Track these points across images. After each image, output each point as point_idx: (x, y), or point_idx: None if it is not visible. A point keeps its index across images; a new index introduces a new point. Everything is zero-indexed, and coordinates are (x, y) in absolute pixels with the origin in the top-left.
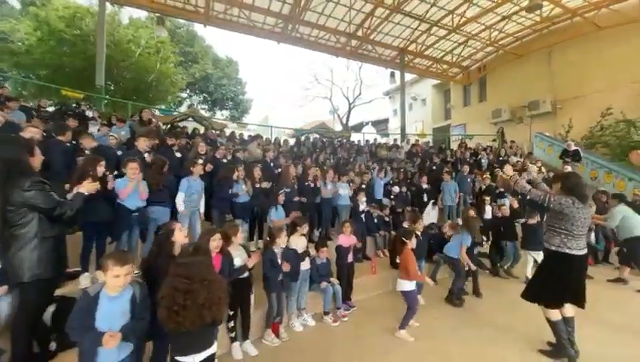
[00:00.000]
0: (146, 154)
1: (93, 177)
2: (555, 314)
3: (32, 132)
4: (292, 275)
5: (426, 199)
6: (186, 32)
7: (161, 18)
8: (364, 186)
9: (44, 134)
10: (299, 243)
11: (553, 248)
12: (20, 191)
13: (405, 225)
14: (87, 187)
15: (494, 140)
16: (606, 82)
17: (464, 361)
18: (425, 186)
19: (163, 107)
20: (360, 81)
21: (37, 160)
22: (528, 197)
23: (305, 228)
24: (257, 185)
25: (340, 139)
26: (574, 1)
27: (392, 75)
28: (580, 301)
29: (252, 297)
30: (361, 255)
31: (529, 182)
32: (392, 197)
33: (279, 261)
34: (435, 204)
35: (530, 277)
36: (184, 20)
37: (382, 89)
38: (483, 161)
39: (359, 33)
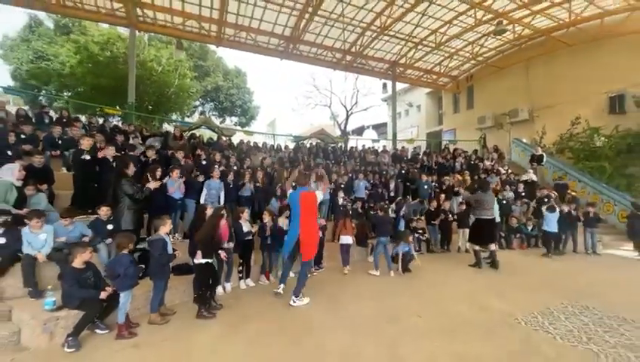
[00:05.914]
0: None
1: (154, 178)
2: (476, 246)
3: (88, 143)
4: (278, 244)
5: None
6: (199, 47)
7: (180, 42)
8: (342, 186)
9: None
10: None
11: (476, 216)
12: (120, 185)
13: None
14: (153, 185)
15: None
16: (575, 94)
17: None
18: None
19: (178, 116)
20: (357, 90)
21: (130, 170)
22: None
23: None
24: (258, 184)
25: (333, 145)
26: (544, 21)
27: (384, 86)
28: (492, 241)
29: (254, 254)
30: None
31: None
32: (366, 192)
33: (267, 231)
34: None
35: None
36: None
37: (380, 95)
38: (456, 165)
39: (353, 50)
